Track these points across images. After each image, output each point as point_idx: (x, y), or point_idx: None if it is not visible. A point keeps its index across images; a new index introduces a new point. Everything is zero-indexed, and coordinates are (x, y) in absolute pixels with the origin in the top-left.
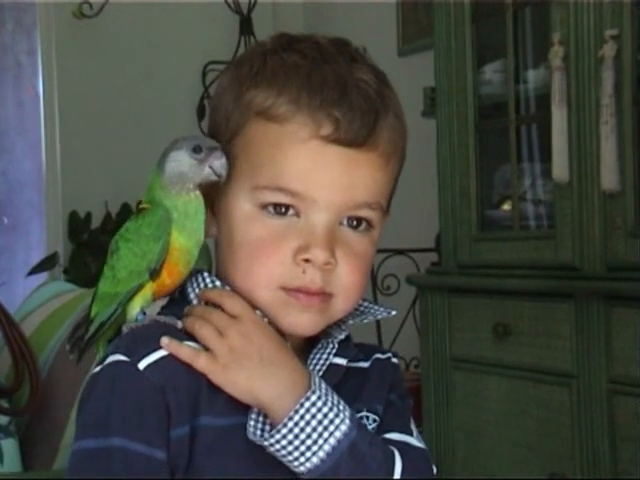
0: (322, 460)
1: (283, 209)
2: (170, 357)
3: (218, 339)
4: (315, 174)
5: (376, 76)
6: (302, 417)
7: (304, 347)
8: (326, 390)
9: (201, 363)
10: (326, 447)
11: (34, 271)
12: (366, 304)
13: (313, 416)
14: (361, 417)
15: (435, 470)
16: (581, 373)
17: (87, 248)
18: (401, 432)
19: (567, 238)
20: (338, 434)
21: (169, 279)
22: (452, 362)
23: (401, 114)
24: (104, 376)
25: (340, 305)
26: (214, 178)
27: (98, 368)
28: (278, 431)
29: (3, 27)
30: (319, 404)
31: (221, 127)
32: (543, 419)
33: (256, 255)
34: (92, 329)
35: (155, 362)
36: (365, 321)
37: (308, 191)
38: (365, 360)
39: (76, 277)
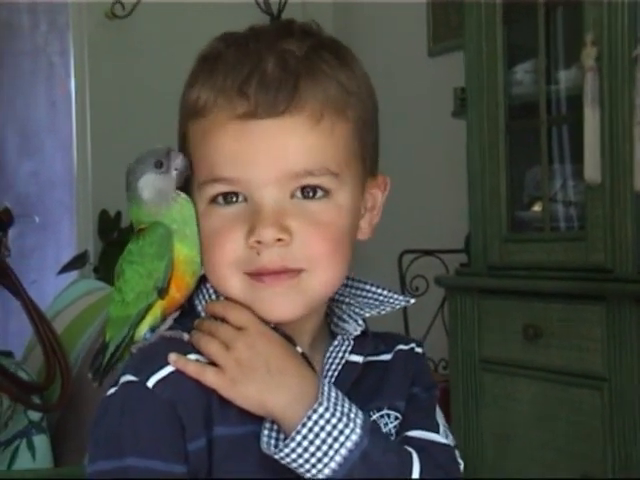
0: (334, 471)
1: (233, 197)
2: (178, 372)
3: (225, 353)
4: (242, 155)
5: (312, 44)
6: (310, 430)
7: (321, 345)
8: (335, 399)
9: (209, 378)
10: (337, 458)
11: (65, 269)
12: (385, 292)
13: (322, 428)
14: (382, 415)
15: (462, 467)
16: (612, 376)
17: (117, 246)
18: (424, 429)
19: (599, 240)
20: (349, 444)
21: (178, 293)
22: (481, 364)
23: (349, 76)
24: (115, 398)
25: (315, 279)
26: (183, 177)
27: (111, 390)
28: (286, 445)
29: (37, 28)
30: (327, 415)
31: (179, 144)
32: (573, 422)
33: (213, 247)
34: (108, 354)
35: (164, 378)
36: (383, 312)
37: (241, 174)
38: (387, 352)
39: (106, 275)
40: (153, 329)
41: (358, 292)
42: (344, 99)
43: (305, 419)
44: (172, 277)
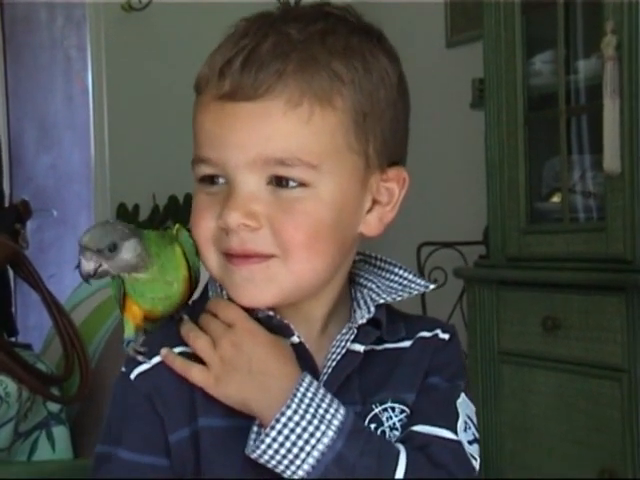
0: (308, 472)
1: (219, 179)
2: (162, 365)
3: (211, 351)
4: (218, 137)
5: (321, 29)
6: (279, 432)
7: (338, 331)
8: (311, 399)
9: (194, 376)
10: (310, 460)
11: None
12: (410, 277)
13: (292, 430)
14: (385, 409)
15: (477, 463)
16: (632, 367)
17: None
18: (433, 423)
19: (618, 230)
20: (320, 447)
21: (141, 312)
22: (500, 356)
23: (352, 65)
24: (113, 387)
25: (286, 267)
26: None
27: None
28: (257, 446)
29: (53, 23)
30: (296, 418)
31: None
32: (593, 413)
33: (194, 223)
34: None
35: (145, 371)
36: (398, 299)
37: (217, 156)
38: (408, 339)
39: None
40: (145, 329)
41: (387, 275)
42: (334, 88)
43: (273, 421)
44: (127, 301)
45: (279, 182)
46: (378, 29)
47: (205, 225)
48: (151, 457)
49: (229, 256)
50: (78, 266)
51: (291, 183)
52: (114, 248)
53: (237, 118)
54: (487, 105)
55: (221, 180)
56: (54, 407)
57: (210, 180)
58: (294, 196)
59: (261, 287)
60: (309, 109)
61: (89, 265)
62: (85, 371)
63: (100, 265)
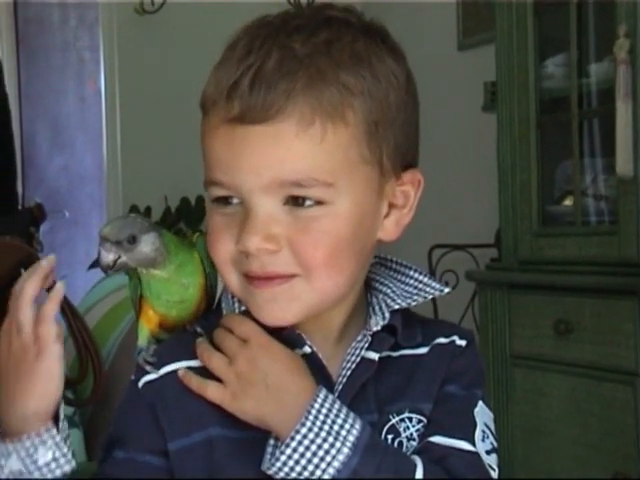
0: None
1: (233, 199)
2: (169, 376)
3: (226, 367)
4: (230, 161)
5: (325, 39)
6: (295, 450)
7: (355, 338)
8: (325, 415)
9: (211, 394)
10: (325, 477)
11: (95, 264)
12: (426, 280)
13: (307, 448)
14: (402, 419)
15: (494, 474)
16: None
17: None
18: (449, 434)
19: (631, 234)
20: (336, 464)
21: (159, 318)
22: (512, 359)
23: (360, 74)
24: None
25: (309, 285)
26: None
27: None
28: (272, 464)
29: (66, 24)
30: (311, 435)
31: None
32: (605, 417)
33: (212, 245)
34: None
35: (152, 381)
36: (413, 303)
37: (231, 180)
38: (424, 345)
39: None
40: (159, 340)
41: (402, 278)
42: (344, 101)
43: (289, 439)
44: (142, 305)
45: (295, 201)
46: (380, 27)
47: (223, 248)
48: (147, 456)
49: (250, 278)
50: (97, 257)
51: (307, 202)
52: (133, 240)
53: (248, 142)
54: (499, 108)
55: (235, 200)
56: (67, 410)
57: (224, 200)
58: (311, 215)
59: (284, 306)
60: (321, 128)
61: (108, 256)
62: (99, 374)
63: (119, 257)
